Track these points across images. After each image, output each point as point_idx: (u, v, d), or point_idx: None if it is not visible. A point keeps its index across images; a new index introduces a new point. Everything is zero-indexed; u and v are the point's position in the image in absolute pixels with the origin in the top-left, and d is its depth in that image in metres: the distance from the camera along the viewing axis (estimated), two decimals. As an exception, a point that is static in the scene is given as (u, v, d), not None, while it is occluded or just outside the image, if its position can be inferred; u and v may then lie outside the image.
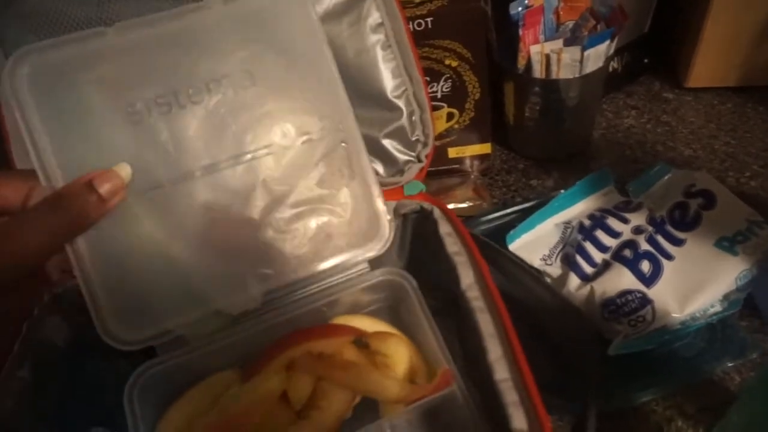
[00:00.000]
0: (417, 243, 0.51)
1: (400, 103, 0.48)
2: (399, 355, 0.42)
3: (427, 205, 0.47)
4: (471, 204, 0.64)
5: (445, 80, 0.61)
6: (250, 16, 0.40)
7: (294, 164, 0.42)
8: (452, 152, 0.67)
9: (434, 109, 0.63)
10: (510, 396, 0.36)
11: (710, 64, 0.70)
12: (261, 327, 0.41)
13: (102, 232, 0.36)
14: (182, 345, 0.40)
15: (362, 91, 0.46)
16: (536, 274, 0.52)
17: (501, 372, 0.37)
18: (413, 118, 0.48)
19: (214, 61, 0.39)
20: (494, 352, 0.38)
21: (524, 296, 0.50)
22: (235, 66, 0.39)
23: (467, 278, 0.42)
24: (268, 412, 0.39)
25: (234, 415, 0.39)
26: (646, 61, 0.76)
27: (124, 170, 0.36)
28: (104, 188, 0.34)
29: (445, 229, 0.45)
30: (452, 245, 0.44)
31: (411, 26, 0.56)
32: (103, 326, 0.38)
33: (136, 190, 0.37)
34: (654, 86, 0.77)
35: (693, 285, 0.47)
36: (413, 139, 0.49)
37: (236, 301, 0.41)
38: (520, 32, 0.59)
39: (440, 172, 0.68)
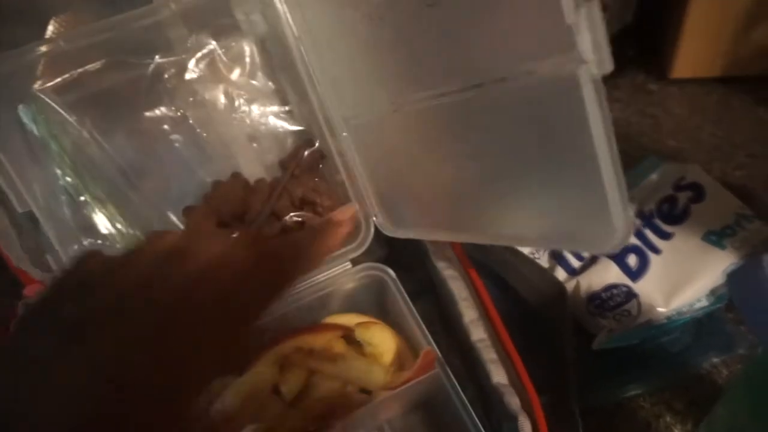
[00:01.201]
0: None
1: None
2: (385, 343, 0.43)
3: None
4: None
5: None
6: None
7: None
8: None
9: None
10: (488, 354, 0.38)
11: (694, 54, 0.70)
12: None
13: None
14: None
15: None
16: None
17: (477, 333, 0.39)
18: None
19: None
20: (468, 315, 0.40)
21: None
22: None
23: (438, 252, 0.44)
24: (262, 403, 0.41)
25: (230, 407, 0.40)
26: (630, 53, 0.76)
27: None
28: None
29: None
30: None
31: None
32: None
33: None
34: (638, 78, 0.76)
35: (680, 279, 0.46)
36: None
37: None
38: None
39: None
